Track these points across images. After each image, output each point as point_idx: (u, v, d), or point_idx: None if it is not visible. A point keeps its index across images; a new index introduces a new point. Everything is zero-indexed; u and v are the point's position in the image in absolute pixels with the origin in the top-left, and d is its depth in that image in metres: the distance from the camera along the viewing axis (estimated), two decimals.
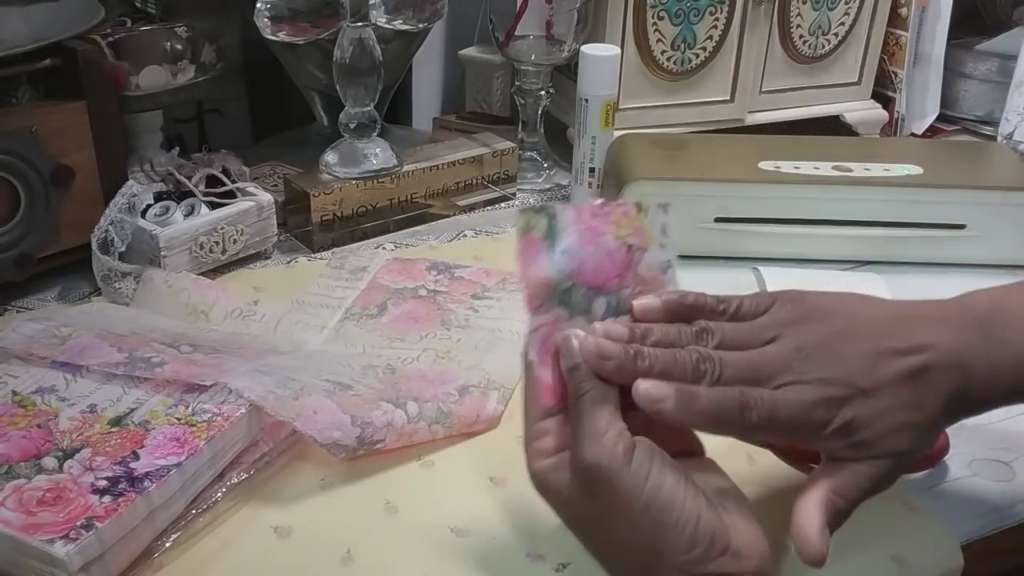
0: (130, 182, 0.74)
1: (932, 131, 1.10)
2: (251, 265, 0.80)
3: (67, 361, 0.56)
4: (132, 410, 0.53)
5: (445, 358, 0.65)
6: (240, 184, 0.79)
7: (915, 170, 0.80)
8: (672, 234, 0.45)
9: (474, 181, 0.91)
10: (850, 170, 0.79)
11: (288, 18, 0.81)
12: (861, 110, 1.06)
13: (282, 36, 0.82)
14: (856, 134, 1.05)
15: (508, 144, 0.92)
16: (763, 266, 0.79)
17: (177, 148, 0.82)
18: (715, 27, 0.94)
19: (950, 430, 0.57)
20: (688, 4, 0.91)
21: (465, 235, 0.86)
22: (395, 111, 1.06)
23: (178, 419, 0.52)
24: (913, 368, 0.41)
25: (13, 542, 0.44)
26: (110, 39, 0.76)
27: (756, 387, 0.41)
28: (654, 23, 0.91)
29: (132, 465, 0.48)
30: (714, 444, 0.45)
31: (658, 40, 0.92)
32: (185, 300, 0.70)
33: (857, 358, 0.41)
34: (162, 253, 0.72)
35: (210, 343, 0.62)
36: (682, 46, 0.93)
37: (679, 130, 0.95)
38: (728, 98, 0.98)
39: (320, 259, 0.81)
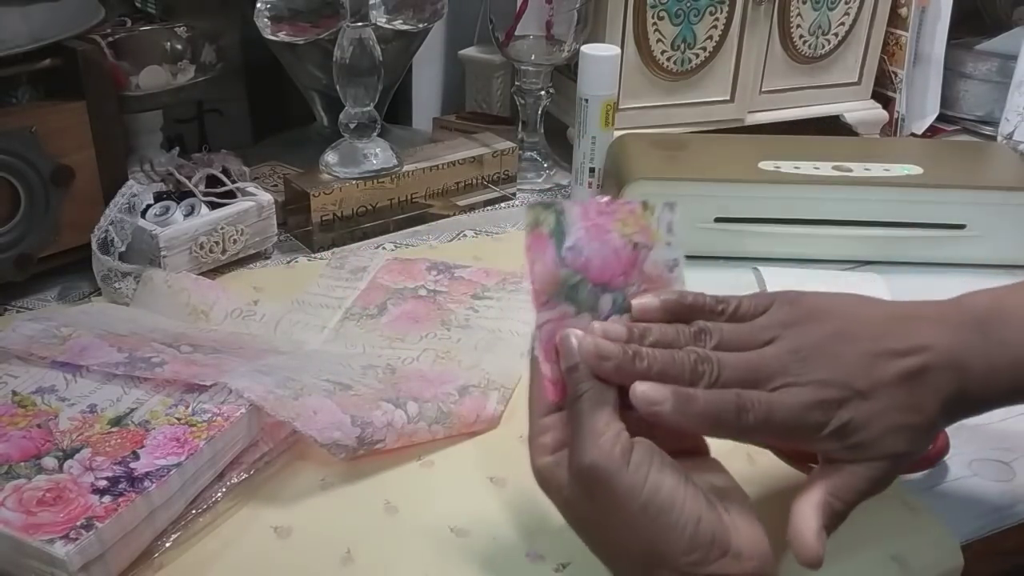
0: (130, 182, 0.74)
1: (932, 131, 1.10)
2: (251, 265, 0.80)
3: (67, 361, 0.56)
4: (132, 410, 0.53)
5: (445, 358, 0.65)
6: (240, 184, 0.79)
7: (915, 170, 0.80)
8: (678, 232, 0.45)
9: (474, 181, 0.91)
10: (850, 170, 0.79)
11: (288, 18, 0.81)
12: (861, 110, 1.06)
13: (282, 36, 0.82)
14: (856, 134, 1.05)
15: (508, 144, 0.92)
16: (763, 266, 0.79)
17: (177, 148, 0.82)
18: (715, 27, 0.94)
19: (950, 430, 0.57)
20: (688, 4, 0.91)
21: (465, 235, 0.86)
22: (395, 111, 1.06)
23: (178, 419, 0.52)
24: (911, 369, 0.41)
25: (13, 542, 0.44)
26: (110, 39, 0.76)
27: (753, 389, 0.41)
28: (654, 23, 0.91)
29: (132, 465, 0.48)
30: (715, 444, 0.45)
31: (658, 40, 0.92)
32: (185, 300, 0.70)
33: (855, 359, 0.41)
34: (162, 253, 0.72)
35: (210, 343, 0.62)
36: (682, 46, 0.93)
37: (679, 130, 0.95)
38: (728, 98, 0.98)
39: (320, 259, 0.81)
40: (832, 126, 1.05)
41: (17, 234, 0.69)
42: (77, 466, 0.48)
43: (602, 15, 0.90)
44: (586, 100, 0.86)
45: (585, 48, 0.85)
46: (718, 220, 0.79)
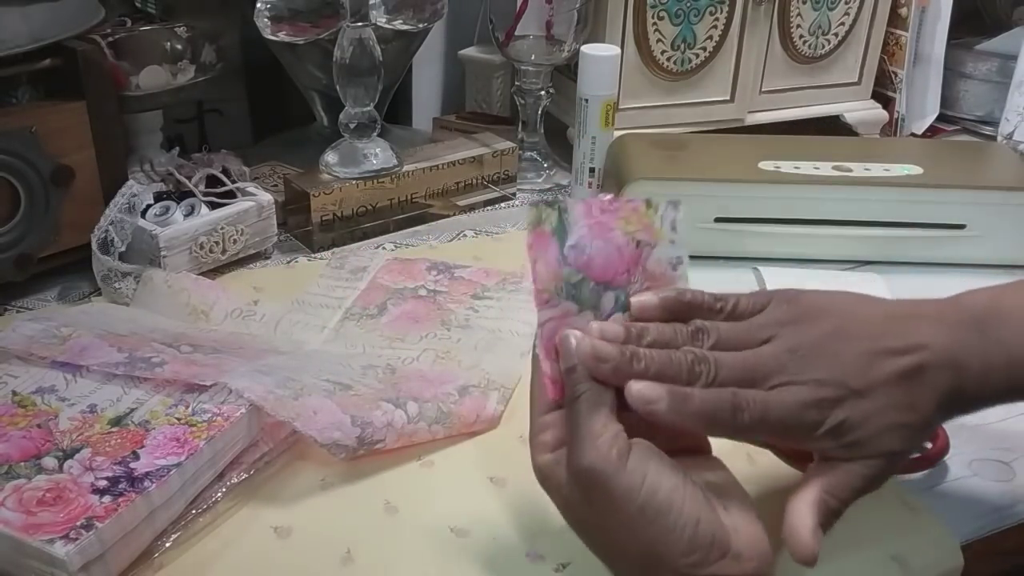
0: (130, 182, 0.74)
1: (932, 131, 1.10)
2: (251, 265, 0.80)
3: (67, 361, 0.56)
4: (132, 410, 0.53)
5: (445, 358, 0.65)
6: (240, 184, 0.79)
7: (915, 170, 0.80)
8: (682, 230, 0.45)
9: (474, 181, 0.91)
10: (850, 170, 0.79)
11: (288, 18, 0.81)
12: (861, 110, 1.06)
13: (282, 36, 0.82)
14: (856, 134, 1.05)
15: (508, 144, 0.92)
16: (763, 266, 0.79)
17: (177, 148, 0.82)
18: (715, 27, 0.94)
19: (950, 430, 0.57)
20: (688, 4, 0.91)
21: (465, 235, 0.86)
22: (395, 111, 1.06)
23: (178, 419, 0.52)
24: (907, 368, 0.41)
25: (13, 542, 0.44)
26: (110, 39, 0.76)
27: (750, 388, 0.41)
28: (654, 23, 0.91)
29: (132, 465, 0.48)
30: (715, 444, 0.45)
31: (658, 40, 0.92)
32: (185, 300, 0.70)
33: (851, 358, 0.41)
34: (162, 253, 0.72)
35: (210, 343, 0.62)
36: (682, 46, 0.93)
37: (679, 130, 0.96)
38: (728, 98, 0.98)
39: (320, 259, 0.81)
40: (832, 126, 1.05)
41: (17, 234, 0.69)
42: (77, 466, 0.48)
43: (602, 15, 0.90)
44: (586, 100, 0.86)
45: (585, 48, 0.85)
46: (718, 220, 0.79)
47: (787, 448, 0.48)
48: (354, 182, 0.83)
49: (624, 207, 0.45)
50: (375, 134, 0.84)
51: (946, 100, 1.10)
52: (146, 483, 0.47)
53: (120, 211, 0.72)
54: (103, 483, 0.47)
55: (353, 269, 0.78)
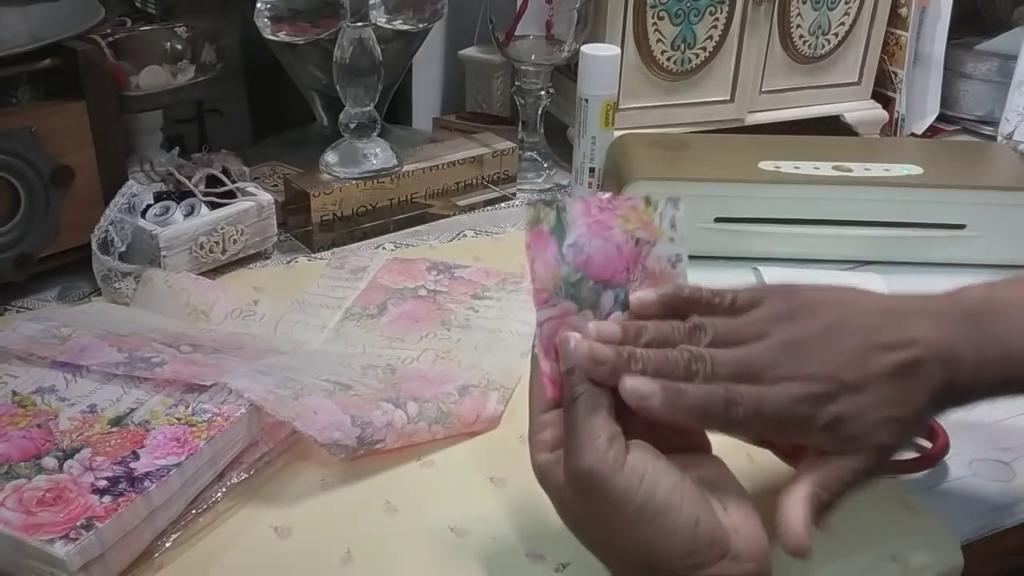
0: (130, 182, 0.74)
1: (932, 131, 1.10)
2: (251, 265, 0.80)
3: (67, 361, 0.56)
4: (132, 410, 0.53)
5: (445, 358, 0.65)
6: (240, 184, 0.79)
7: (915, 170, 0.80)
8: (681, 228, 0.45)
9: (474, 181, 0.91)
10: (850, 170, 0.79)
11: (288, 18, 0.81)
12: (861, 110, 1.06)
13: (282, 36, 0.82)
14: (856, 134, 1.05)
15: (508, 144, 0.92)
16: (763, 266, 0.79)
17: (177, 148, 0.82)
18: (715, 27, 0.94)
19: (950, 430, 0.57)
20: (688, 4, 0.91)
21: (465, 235, 0.86)
22: (395, 111, 1.06)
23: (178, 419, 0.52)
24: (901, 363, 0.41)
25: (13, 542, 0.44)
26: (110, 39, 0.76)
27: (745, 383, 0.41)
28: (654, 23, 0.91)
29: (132, 465, 0.48)
30: (715, 444, 0.45)
31: (658, 40, 0.92)
32: (185, 300, 0.70)
33: (845, 353, 0.41)
34: (162, 253, 0.72)
35: (210, 343, 0.62)
36: (682, 46, 0.93)
37: (679, 130, 0.95)
38: (728, 98, 0.98)
39: (320, 259, 0.81)
40: (832, 126, 1.05)
41: (17, 234, 0.69)
42: (77, 466, 0.48)
43: (602, 15, 0.90)
44: (586, 100, 0.86)
45: (585, 48, 0.85)
46: (718, 220, 0.79)
47: (785, 446, 0.48)
48: (354, 182, 0.83)
49: (623, 205, 0.45)
50: (375, 134, 0.84)
51: (946, 100, 1.10)
52: (146, 483, 0.47)
53: (120, 211, 0.72)
54: (103, 483, 0.47)
55: (353, 269, 0.78)
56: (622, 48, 0.89)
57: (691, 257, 0.46)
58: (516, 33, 0.92)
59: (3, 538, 0.44)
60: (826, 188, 0.78)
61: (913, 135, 1.09)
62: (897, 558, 0.50)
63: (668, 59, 0.93)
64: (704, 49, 0.94)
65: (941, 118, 1.10)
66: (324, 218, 0.82)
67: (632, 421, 0.41)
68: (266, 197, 0.79)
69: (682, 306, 0.44)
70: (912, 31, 1.03)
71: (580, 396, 0.41)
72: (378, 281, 0.76)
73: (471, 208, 0.91)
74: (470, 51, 1.07)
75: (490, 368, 0.64)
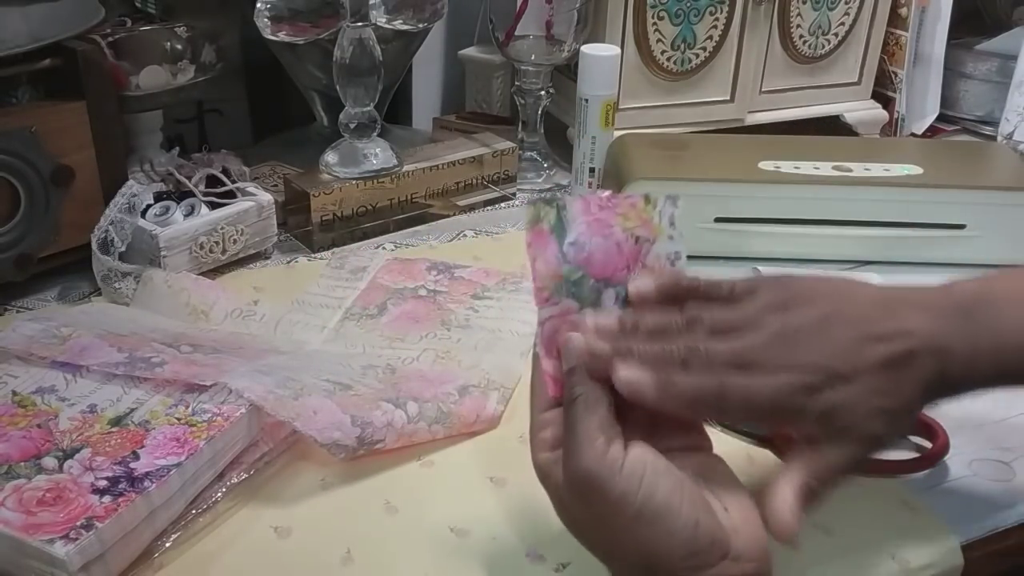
0: (130, 182, 0.74)
1: (932, 131, 1.10)
2: (251, 265, 0.80)
3: (67, 361, 0.56)
4: (132, 410, 0.53)
5: (445, 358, 0.65)
6: (240, 184, 0.79)
7: (915, 170, 0.80)
8: (680, 225, 0.45)
9: (474, 181, 0.91)
10: (850, 170, 0.79)
11: (288, 18, 0.81)
12: (861, 110, 1.06)
13: (282, 36, 0.82)
14: (856, 134, 1.05)
15: (508, 144, 0.92)
16: (763, 266, 0.79)
17: (177, 148, 0.82)
18: (715, 27, 0.94)
19: (950, 430, 0.57)
20: (688, 4, 0.91)
21: (465, 235, 0.86)
22: (395, 111, 1.06)
23: (178, 419, 0.52)
24: (893, 355, 0.41)
25: (13, 542, 0.44)
26: (110, 39, 0.76)
27: (739, 373, 0.41)
28: (654, 23, 0.91)
29: (132, 465, 0.48)
30: (715, 444, 0.45)
31: (658, 40, 0.92)
32: (185, 300, 0.70)
33: (838, 344, 0.42)
34: (162, 253, 0.72)
35: (210, 343, 0.62)
36: (682, 46, 0.93)
37: (679, 130, 0.95)
38: (728, 98, 0.98)
39: (320, 259, 0.81)
40: (832, 126, 1.05)
41: (17, 234, 0.69)
42: (77, 466, 0.48)
43: (602, 15, 0.90)
44: (586, 100, 0.86)
45: (585, 48, 0.85)
46: (718, 220, 0.79)
47: (785, 447, 0.48)
48: (354, 182, 0.83)
49: (622, 203, 0.45)
50: (375, 134, 0.84)
51: (946, 100, 1.10)
52: (146, 483, 0.47)
53: (120, 211, 0.72)
54: (103, 483, 0.47)
55: (353, 269, 0.78)
56: (622, 48, 0.89)
57: (691, 257, 0.46)
58: (516, 33, 0.92)
59: (3, 538, 0.44)
60: (826, 188, 0.78)
61: (913, 135, 1.09)
62: (897, 558, 0.50)
63: (668, 59, 0.93)
64: (704, 49, 0.94)
65: (941, 118, 1.10)
66: (324, 218, 0.82)
67: (632, 421, 0.41)
68: (266, 197, 0.79)
69: (680, 296, 0.44)
70: (912, 31, 1.03)
71: (578, 397, 0.41)
72: (378, 281, 0.76)
73: (471, 208, 0.91)
74: (470, 51, 1.07)
75: (490, 368, 0.64)
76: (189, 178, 0.77)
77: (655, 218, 0.45)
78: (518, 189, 0.94)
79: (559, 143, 0.99)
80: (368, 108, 0.83)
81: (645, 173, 0.78)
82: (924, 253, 0.80)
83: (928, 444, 0.58)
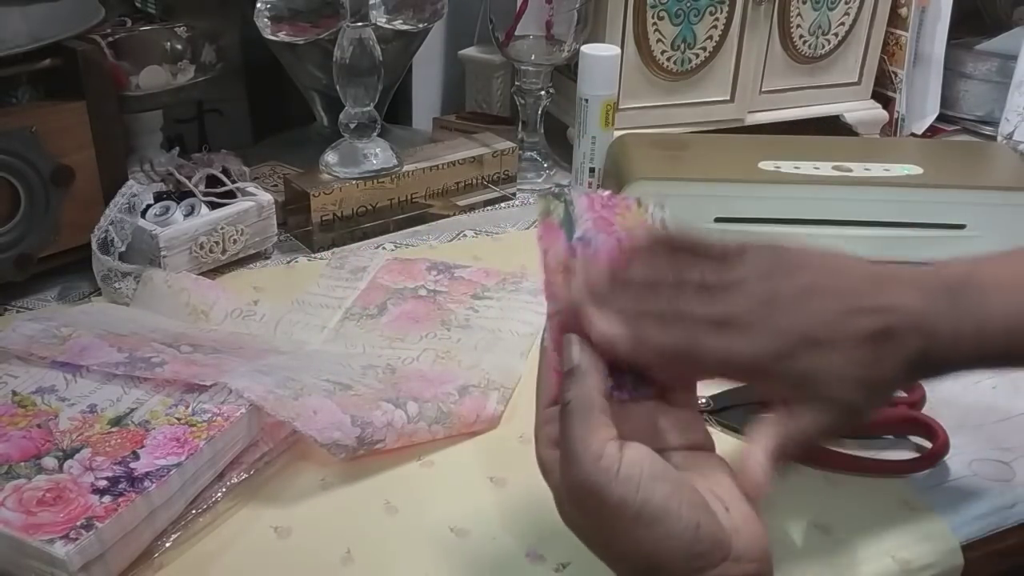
0: (130, 182, 0.74)
1: (932, 131, 1.10)
2: (251, 265, 0.80)
3: (67, 361, 0.56)
4: (132, 410, 0.53)
5: (445, 358, 0.65)
6: (240, 184, 0.79)
7: (915, 170, 0.80)
8: (672, 227, 0.46)
9: (474, 181, 0.91)
10: (850, 170, 0.79)
11: (288, 18, 0.81)
12: (861, 110, 1.06)
13: (282, 36, 0.82)
14: (856, 134, 1.05)
15: (508, 144, 0.92)
16: None
17: (177, 148, 0.82)
18: (715, 27, 0.94)
19: (950, 430, 0.57)
20: (688, 4, 0.91)
21: (465, 235, 0.86)
22: (395, 111, 1.06)
23: (178, 419, 0.52)
24: (875, 328, 0.42)
25: (13, 542, 0.44)
26: (110, 39, 0.76)
27: (717, 332, 0.41)
28: (654, 23, 0.91)
29: (132, 465, 0.48)
30: (716, 444, 0.45)
31: (658, 40, 0.92)
32: (185, 300, 0.70)
33: (820, 314, 0.42)
34: (162, 253, 0.72)
35: (210, 343, 0.62)
36: (682, 46, 0.93)
37: (679, 130, 0.95)
38: (728, 98, 0.98)
39: (320, 259, 0.81)
40: (832, 126, 1.05)
41: (17, 234, 0.69)
42: (77, 466, 0.48)
43: (602, 15, 0.90)
44: (586, 100, 0.86)
45: (585, 48, 0.85)
46: (718, 220, 0.79)
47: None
48: (354, 182, 0.83)
49: (620, 204, 0.46)
50: (375, 134, 0.84)
51: (946, 100, 1.10)
52: (146, 483, 0.47)
53: (120, 211, 0.72)
54: (103, 483, 0.47)
55: (353, 269, 0.78)
56: (622, 48, 0.89)
57: None
58: (516, 33, 0.92)
59: (3, 538, 0.44)
60: (826, 188, 0.78)
61: (913, 135, 1.09)
62: (897, 558, 0.50)
63: (668, 59, 0.93)
64: (704, 49, 0.94)
65: (941, 118, 1.10)
66: (324, 218, 0.82)
67: (632, 420, 0.41)
68: (266, 197, 0.79)
69: (674, 250, 0.44)
70: (912, 31, 1.03)
71: (570, 403, 0.41)
72: (378, 281, 0.76)
73: (471, 208, 0.91)
74: (470, 51, 1.07)
75: (490, 368, 0.64)
76: (189, 178, 0.77)
77: (649, 220, 0.45)
78: (518, 189, 0.94)
79: (559, 143, 0.99)
80: (368, 108, 0.83)
81: (645, 173, 0.78)
82: (924, 253, 0.79)
83: (928, 444, 0.58)
